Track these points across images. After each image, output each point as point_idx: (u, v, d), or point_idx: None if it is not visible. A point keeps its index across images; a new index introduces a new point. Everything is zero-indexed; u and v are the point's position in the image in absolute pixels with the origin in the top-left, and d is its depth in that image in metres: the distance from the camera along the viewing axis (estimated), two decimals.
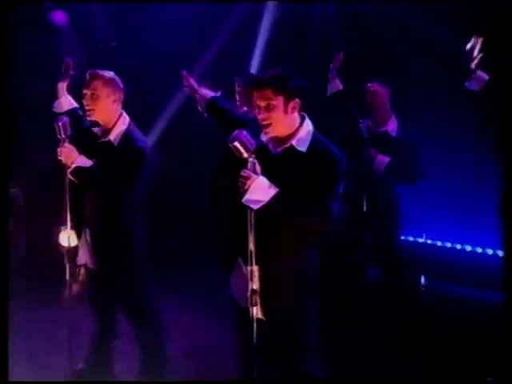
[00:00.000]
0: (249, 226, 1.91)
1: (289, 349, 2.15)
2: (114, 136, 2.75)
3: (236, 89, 4.12)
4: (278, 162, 2.10)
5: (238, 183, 1.93)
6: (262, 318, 2.02)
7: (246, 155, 1.94)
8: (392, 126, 3.70)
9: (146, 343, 2.94)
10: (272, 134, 2.12)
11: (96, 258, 2.84)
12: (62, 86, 3.15)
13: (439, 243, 4.93)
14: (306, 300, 2.12)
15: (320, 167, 2.04)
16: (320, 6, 5.37)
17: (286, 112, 2.07)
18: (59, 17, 5.87)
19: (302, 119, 2.16)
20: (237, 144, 1.92)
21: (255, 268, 1.92)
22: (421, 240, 5.07)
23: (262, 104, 2.06)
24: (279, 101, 2.05)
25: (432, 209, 4.65)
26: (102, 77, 2.78)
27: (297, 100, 2.08)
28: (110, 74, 2.85)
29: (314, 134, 2.16)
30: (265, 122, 2.07)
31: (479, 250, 4.63)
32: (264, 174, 1.98)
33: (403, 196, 3.89)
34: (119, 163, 2.66)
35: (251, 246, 1.90)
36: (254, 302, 1.92)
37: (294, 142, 2.09)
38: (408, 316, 3.71)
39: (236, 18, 5.43)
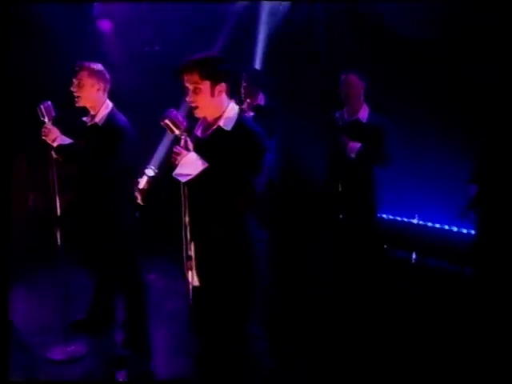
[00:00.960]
0: (183, 199, 1.97)
1: (223, 311, 2.17)
2: (98, 119, 2.91)
3: (242, 84, 4.33)
4: (209, 141, 2.12)
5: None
6: (198, 283, 2.09)
7: (177, 132, 1.99)
8: (363, 114, 3.71)
9: (129, 310, 3.04)
10: (200, 115, 2.14)
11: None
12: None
13: (430, 224, 5.00)
14: (240, 267, 2.11)
15: (243, 144, 2.04)
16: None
17: (212, 95, 2.07)
18: (105, 25, 6.01)
19: (229, 102, 2.15)
20: (167, 121, 1.99)
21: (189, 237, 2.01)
22: (414, 221, 5.14)
23: (190, 87, 2.06)
24: (206, 85, 2.05)
25: (425, 192, 4.68)
26: (88, 68, 2.91)
27: (223, 84, 2.07)
28: (97, 65, 2.98)
29: (239, 115, 2.16)
30: (193, 105, 2.09)
31: (465, 230, 4.65)
32: (197, 153, 2.02)
33: (400, 181, 4.08)
34: (103, 139, 2.80)
35: (186, 218, 1.98)
36: (189, 267, 2.01)
37: (221, 123, 2.10)
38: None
39: (239, 17, 5.47)
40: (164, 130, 2.06)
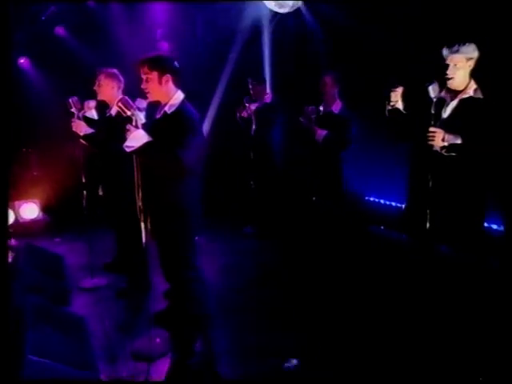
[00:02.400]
0: (135, 167, 2.40)
1: (166, 258, 2.49)
2: (113, 111, 3.33)
3: (249, 86, 4.75)
4: (158, 121, 2.41)
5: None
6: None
7: (128, 113, 2.33)
8: (336, 107, 4.00)
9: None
10: (152, 99, 2.41)
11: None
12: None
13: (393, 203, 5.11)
14: (177, 222, 2.37)
15: (175, 125, 2.28)
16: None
17: (160, 83, 2.32)
18: (164, 46, 6.39)
19: (177, 91, 2.38)
20: (120, 104, 2.36)
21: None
22: (382, 201, 5.28)
23: (144, 77, 2.35)
24: (154, 75, 2.31)
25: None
26: (104, 72, 3.39)
27: (168, 75, 2.32)
28: (112, 70, 3.43)
29: (182, 101, 2.37)
30: (146, 91, 2.37)
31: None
32: (151, 131, 2.31)
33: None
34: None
35: (138, 181, 2.42)
36: (141, 218, 2.45)
37: (166, 108, 2.36)
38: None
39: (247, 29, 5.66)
40: None
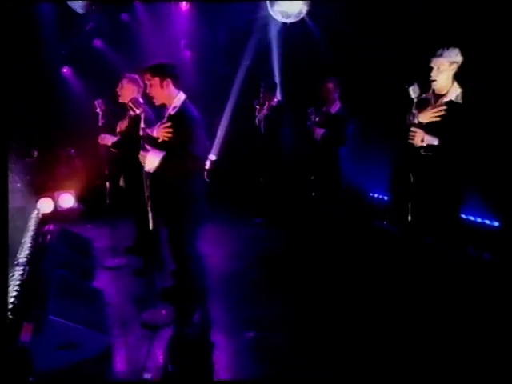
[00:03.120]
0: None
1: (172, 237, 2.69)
2: (132, 114, 3.42)
3: (261, 90, 4.92)
4: (166, 122, 2.53)
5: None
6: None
7: (138, 111, 2.55)
8: (334, 108, 4.11)
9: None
10: (157, 103, 2.56)
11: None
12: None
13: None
14: (186, 211, 2.55)
15: (180, 122, 2.44)
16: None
17: (161, 87, 2.48)
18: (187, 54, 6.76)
19: (178, 92, 2.52)
20: (130, 103, 2.58)
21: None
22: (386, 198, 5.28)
23: (147, 83, 2.52)
24: (156, 81, 2.47)
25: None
26: (127, 77, 3.57)
27: (168, 80, 2.46)
28: (134, 76, 3.58)
29: (184, 102, 2.51)
30: (150, 95, 2.54)
31: None
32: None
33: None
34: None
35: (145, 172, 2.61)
36: (149, 208, 2.67)
37: (170, 110, 2.53)
38: None
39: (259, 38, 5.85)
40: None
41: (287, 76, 5.71)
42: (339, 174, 4.14)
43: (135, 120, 2.66)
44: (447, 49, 2.72)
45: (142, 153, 2.45)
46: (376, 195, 5.37)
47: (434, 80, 2.77)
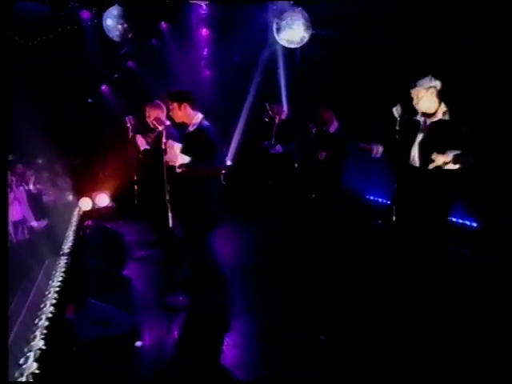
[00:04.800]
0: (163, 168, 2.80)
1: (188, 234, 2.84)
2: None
3: (267, 108, 5.07)
4: (187, 138, 2.78)
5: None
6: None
7: (160, 128, 2.77)
8: (332, 128, 4.23)
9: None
10: (178, 121, 2.78)
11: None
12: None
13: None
14: (201, 213, 2.71)
15: (200, 137, 2.64)
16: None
17: (180, 110, 2.70)
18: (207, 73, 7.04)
19: (196, 113, 2.72)
20: (154, 121, 2.80)
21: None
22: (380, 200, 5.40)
23: (170, 107, 2.77)
24: (175, 105, 2.71)
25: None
26: (152, 104, 3.72)
27: (185, 104, 2.68)
28: (157, 102, 3.71)
29: (201, 121, 2.70)
30: (172, 116, 2.80)
31: None
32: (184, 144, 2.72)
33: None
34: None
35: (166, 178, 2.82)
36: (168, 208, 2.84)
37: (190, 127, 2.74)
38: None
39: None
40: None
41: (293, 92, 5.81)
42: (340, 182, 4.24)
43: (159, 135, 2.83)
44: (419, 79, 2.79)
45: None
46: (372, 197, 5.44)
47: (417, 105, 2.84)
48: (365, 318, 2.80)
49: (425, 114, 2.85)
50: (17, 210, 4.69)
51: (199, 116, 2.77)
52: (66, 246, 3.78)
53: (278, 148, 4.28)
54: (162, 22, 6.66)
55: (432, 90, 2.79)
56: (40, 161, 5.71)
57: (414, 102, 2.84)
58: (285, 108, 5.38)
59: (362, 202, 5.37)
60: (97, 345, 2.52)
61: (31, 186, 4.90)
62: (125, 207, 5.52)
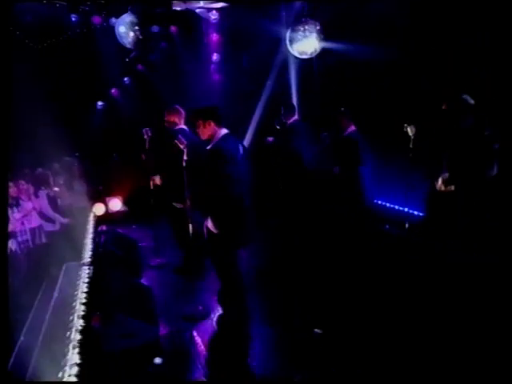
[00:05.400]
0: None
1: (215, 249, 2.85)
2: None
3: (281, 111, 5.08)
4: (206, 156, 2.75)
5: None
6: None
7: (182, 147, 2.82)
8: (348, 132, 4.29)
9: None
10: (203, 138, 2.79)
11: None
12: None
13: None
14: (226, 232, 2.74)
15: (213, 155, 2.67)
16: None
17: (204, 127, 2.75)
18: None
19: (221, 130, 2.75)
20: (177, 141, 2.84)
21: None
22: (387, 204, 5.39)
23: (196, 123, 2.81)
24: (200, 122, 2.76)
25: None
26: (170, 108, 3.77)
27: (209, 121, 2.72)
28: (175, 107, 3.76)
29: (222, 137, 2.71)
30: (198, 132, 2.82)
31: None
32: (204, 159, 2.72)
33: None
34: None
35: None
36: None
37: (211, 145, 2.76)
38: None
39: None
40: None
41: (304, 99, 5.88)
42: (360, 190, 4.30)
43: (180, 152, 2.92)
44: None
45: None
46: (380, 202, 5.51)
47: None
48: (364, 318, 2.91)
49: None
50: (35, 218, 4.81)
51: (221, 132, 2.76)
52: (86, 255, 3.87)
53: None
54: (172, 27, 6.72)
55: None
56: (57, 164, 5.82)
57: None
58: (296, 115, 5.44)
59: (371, 205, 5.40)
60: (121, 356, 2.64)
61: (52, 189, 5.02)
62: (138, 212, 5.61)
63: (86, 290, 3.05)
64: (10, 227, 4.35)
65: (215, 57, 6.90)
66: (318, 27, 4.31)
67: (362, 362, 2.48)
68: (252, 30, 5.77)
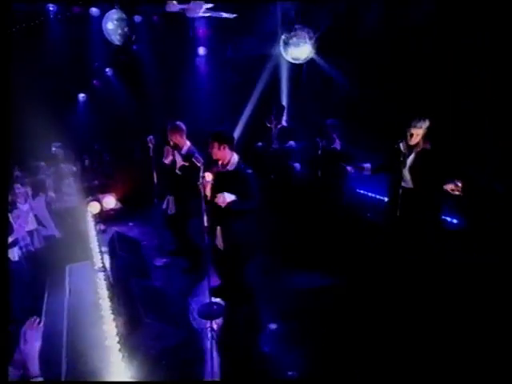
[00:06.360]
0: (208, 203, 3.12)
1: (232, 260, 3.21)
2: (183, 151, 4.00)
3: (273, 111, 5.39)
4: (224, 175, 3.06)
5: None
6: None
7: (199, 164, 3.04)
8: (336, 144, 4.63)
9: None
10: (215, 158, 3.06)
11: None
12: None
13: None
14: (243, 242, 3.09)
15: (238, 176, 2.96)
16: None
17: (219, 149, 3.02)
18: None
19: (232, 154, 3.05)
20: (193, 159, 3.07)
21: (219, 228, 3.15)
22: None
23: (210, 146, 3.05)
24: (215, 144, 3.01)
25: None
26: (171, 126, 3.96)
27: (225, 144, 3.00)
28: (176, 123, 3.97)
29: (238, 161, 3.03)
30: (211, 153, 3.09)
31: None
32: (217, 181, 3.05)
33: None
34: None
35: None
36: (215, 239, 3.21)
37: (229, 167, 3.05)
38: None
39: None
40: None
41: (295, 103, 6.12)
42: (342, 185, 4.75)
43: (197, 169, 3.14)
44: (423, 121, 3.45)
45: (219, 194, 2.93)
46: (362, 191, 5.95)
47: (414, 139, 3.50)
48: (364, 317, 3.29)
49: (409, 146, 3.53)
50: (32, 221, 4.83)
51: (236, 156, 3.08)
52: (96, 259, 4.01)
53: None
54: (155, 16, 6.58)
55: (425, 130, 3.38)
56: (42, 163, 5.73)
57: (414, 138, 3.41)
58: (285, 116, 5.72)
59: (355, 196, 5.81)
60: (153, 358, 2.95)
61: (49, 194, 5.02)
62: (135, 209, 5.71)
63: (107, 295, 3.26)
64: (13, 235, 4.39)
65: (201, 50, 6.89)
66: (311, 35, 4.50)
67: (357, 362, 2.80)
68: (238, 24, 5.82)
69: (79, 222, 5.31)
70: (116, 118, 6.61)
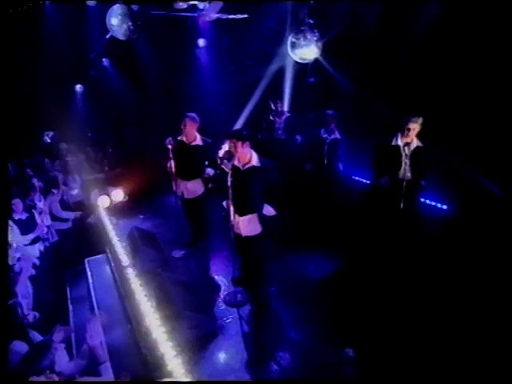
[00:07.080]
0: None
1: (251, 246, 3.54)
2: (197, 142, 4.29)
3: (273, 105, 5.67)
4: (247, 171, 3.28)
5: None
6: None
7: (227, 169, 3.28)
8: (336, 135, 4.96)
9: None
10: (236, 156, 3.31)
11: None
12: None
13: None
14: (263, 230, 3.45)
15: (264, 170, 3.22)
16: None
17: (242, 147, 3.22)
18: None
19: (251, 151, 3.27)
20: (222, 166, 3.32)
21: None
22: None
23: (232, 144, 3.26)
24: (239, 143, 3.22)
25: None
26: (188, 117, 4.19)
27: (247, 142, 3.22)
28: (191, 114, 4.20)
29: (259, 157, 3.29)
30: (232, 152, 3.31)
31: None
32: (236, 179, 3.25)
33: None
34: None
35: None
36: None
37: (254, 162, 3.28)
38: None
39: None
40: None
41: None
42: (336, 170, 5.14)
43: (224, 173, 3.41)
44: (419, 117, 3.84)
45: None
46: (357, 178, 6.37)
47: (410, 134, 3.91)
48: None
49: (406, 143, 3.92)
50: (48, 216, 4.97)
51: (254, 153, 3.31)
52: (122, 255, 4.19)
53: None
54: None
55: (420, 126, 3.84)
56: (46, 160, 5.76)
57: (411, 133, 3.87)
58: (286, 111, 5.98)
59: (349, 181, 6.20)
60: (191, 345, 3.28)
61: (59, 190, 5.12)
62: (142, 202, 5.87)
63: (144, 292, 3.53)
64: (37, 232, 4.53)
65: (201, 42, 6.91)
66: (318, 36, 4.69)
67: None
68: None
69: (89, 216, 5.46)
70: (114, 108, 6.62)
